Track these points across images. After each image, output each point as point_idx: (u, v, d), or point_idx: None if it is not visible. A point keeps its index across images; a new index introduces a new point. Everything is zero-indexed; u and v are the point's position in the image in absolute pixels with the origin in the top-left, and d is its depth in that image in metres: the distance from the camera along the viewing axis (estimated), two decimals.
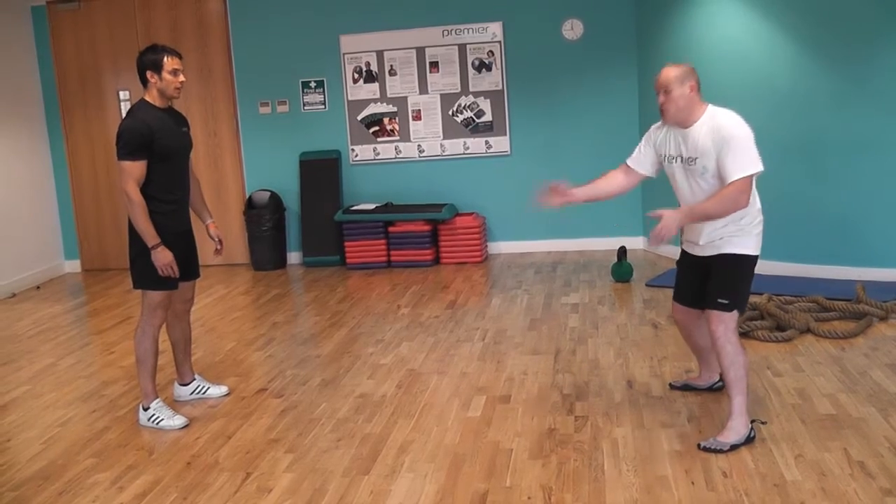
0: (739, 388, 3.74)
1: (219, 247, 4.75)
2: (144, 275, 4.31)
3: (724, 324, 3.75)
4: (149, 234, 4.18)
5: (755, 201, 3.80)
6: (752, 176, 3.63)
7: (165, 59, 4.25)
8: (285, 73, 8.65)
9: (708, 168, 3.70)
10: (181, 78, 4.31)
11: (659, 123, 4.00)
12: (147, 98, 4.30)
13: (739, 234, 3.75)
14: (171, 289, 4.36)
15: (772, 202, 6.48)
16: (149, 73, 4.25)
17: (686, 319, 4.19)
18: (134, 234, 4.28)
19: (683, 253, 4.08)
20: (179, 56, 4.35)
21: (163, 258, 4.20)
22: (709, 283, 3.84)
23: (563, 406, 4.32)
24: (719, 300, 3.76)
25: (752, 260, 3.81)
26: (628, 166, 4.11)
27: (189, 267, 4.51)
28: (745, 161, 3.60)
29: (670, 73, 3.75)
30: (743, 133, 3.64)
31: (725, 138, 3.62)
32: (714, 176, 3.70)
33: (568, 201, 4.13)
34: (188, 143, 4.48)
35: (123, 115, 8.63)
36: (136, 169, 4.16)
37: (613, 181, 4.16)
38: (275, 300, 7.22)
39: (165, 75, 4.24)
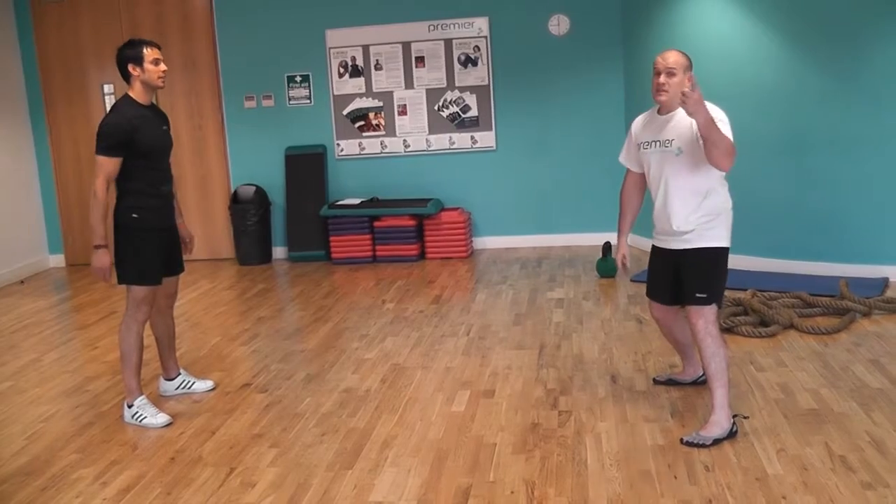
0: (721, 380, 3.77)
1: (188, 243, 4.68)
2: (128, 270, 4.31)
3: (704, 317, 3.78)
4: (98, 234, 4.17)
5: (726, 193, 3.86)
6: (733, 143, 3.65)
7: (145, 50, 4.26)
8: (271, 67, 8.63)
9: (683, 150, 3.76)
10: (163, 67, 4.32)
11: (642, 117, 4.04)
12: (131, 94, 4.30)
13: (711, 227, 3.79)
14: (154, 284, 4.35)
15: (756, 198, 6.59)
16: (130, 67, 4.26)
17: (664, 317, 4.23)
18: (117, 230, 4.30)
19: (654, 249, 4.10)
20: (158, 46, 4.36)
21: (100, 261, 4.20)
22: (684, 278, 3.87)
23: (547, 401, 4.34)
24: (697, 295, 3.80)
25: (724, 252, 3.86)
26: (628, 169, 4.21)
27: (173, 262, 4.53)
28: (726, 129, 3.66)
29: (680, 58, 3.79)
30: (720, 111, 3.70)
31: None
32: (689, 154, 3.74)
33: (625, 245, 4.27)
34: (168, 142, 4.48)
35: (108, 109, 8.69)
36: (109, 165, 4.17)
37: (632, 193, 4.23)
38: (260, 295, 7.21)
39: (147, 66, 4.26)
